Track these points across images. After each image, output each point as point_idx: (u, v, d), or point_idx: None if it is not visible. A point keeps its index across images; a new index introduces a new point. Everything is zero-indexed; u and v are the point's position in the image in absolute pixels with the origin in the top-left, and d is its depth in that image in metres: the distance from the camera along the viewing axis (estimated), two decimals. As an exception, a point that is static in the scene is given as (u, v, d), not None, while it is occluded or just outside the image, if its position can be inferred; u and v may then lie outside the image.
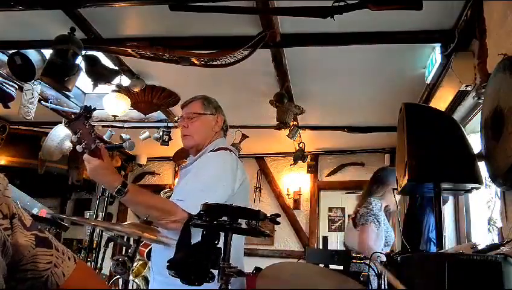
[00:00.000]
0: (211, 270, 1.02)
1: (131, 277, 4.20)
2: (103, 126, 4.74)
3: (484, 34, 2.29)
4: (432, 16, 2.65)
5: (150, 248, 3.18)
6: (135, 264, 4.33)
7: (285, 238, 6.12)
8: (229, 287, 1.05)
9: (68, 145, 4.52)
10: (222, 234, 1.06)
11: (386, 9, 2.23)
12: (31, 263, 0.71)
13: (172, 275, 1.02)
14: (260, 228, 1.07)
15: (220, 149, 1.77)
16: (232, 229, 1.05)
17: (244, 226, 1.07)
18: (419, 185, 2.02)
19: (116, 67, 3.55)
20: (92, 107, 1.45)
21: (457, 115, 2.92)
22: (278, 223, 1.10)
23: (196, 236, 1.07)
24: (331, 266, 2.39)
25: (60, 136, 4.45)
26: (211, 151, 1.78)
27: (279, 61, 3.32)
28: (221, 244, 1.06)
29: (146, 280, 4.40)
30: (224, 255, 1.04)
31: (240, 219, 1.08)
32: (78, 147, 1.44)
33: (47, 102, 4.18)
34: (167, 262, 1.02)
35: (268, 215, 1.10)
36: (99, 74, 3.16)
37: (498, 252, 1.44)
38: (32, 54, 3.21)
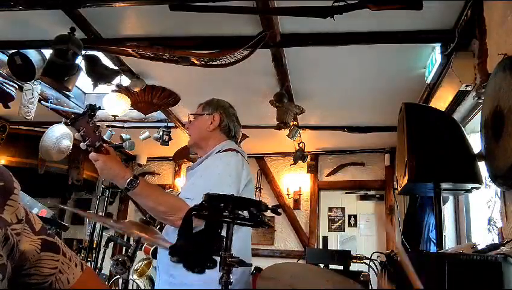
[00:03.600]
0: (213, 257, 1.02)
1: (135, 277, 4.20)
2: (106, 126, 4.75)
3: (484, 34, 2.29)
4: (432, 16, 2.64)
5: (155, 246, 3.17)
6: (139, 264, 4.33)
7: (285, 238, 6.12)
8: (231, 279, 1.04)
9: (66, 144, 4.50)
10: (224, 225, 1.06)
11: (386, 9, 2.23)
12: (34, 267, 0.70)
13: (174, 261, 1.02)
14: (262, 218, 1.07)
15: (227, 150, 1.79)
16: (233, 219, 1.05)
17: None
18: (419, 185, 2.03)
19: (116, 67, 3.55)
20: (97, 106, 1.45)
21: (457, 115, 2.92)
22: (279, 213, 1.10)
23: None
24: (331, 266, 2.39)
25: (55, 135, 4.43)
26: (218, 152, 1.80)
27: (279, 61, 3.32)
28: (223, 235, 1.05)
29: (151, 280, 4.40)
30: (226, 245, 1.04)
31: (241, 209, 1.08)
32: (82, 145, 1.44)
33: (47, 102, 4.17)
34: (169, 248, 1.02)
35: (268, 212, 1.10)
36: (99, 74, 3.16)
37: (498, 252, 1.44)
38: (32, 54, 3.20)
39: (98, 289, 0.84)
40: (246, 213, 1.10)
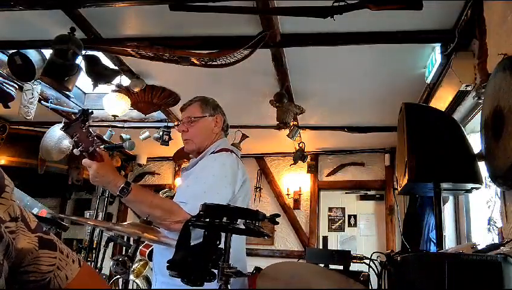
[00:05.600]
0: (212, 270, 1.02)
1: (132, 277, 4.20)
2: (103, 126, 4.75)
3: (484, 34, 2.29)
4: (431, 16, 2.64)
5: (151, 248, 3.18)
6: (136, 264, 4.33)
7: (285, 238, 6.12)
8: (229, 288, 1.05)
9: (66, 144, 4.51)
10: (222, 235, 1.05)
11: (386, 9, 2.23)
12: (33, 265, 0.70)
13: (172, 276, 1.02)
14: (259, 228, 1.06)
15: (221, 150, 1.77)
16: (231, 229, 1.05)
17: (243, 226, 1.07)
18: (419, 185, 2.03)
19: (116, 67, 3.55)
20: (90, 111, 1.44)
21: (457, 115, 2.92)
22: (277, 223, 1.10)
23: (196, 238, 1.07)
24: (331, 266, 2.39)
25: (56, 136, 4.44)
26: (212, 152, 1.78)
27: (279, 61, 3.32)
28: (221, 246, 1.05)
29: (147, 280, 4.40)
30: (223, 256, 1.04)
31: (239, 219, 1.07)
32: (76, 151, 1.43)
33: (47, 102, 4.18)
34: (167, 263, 1.02)
35: (267, 215, 1.09)
36: (99, 74, 3.16)
37: (498, 252, 1.44)
38: (32, 54, 3.20)
39: (96, 284, 0.83)
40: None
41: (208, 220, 1.04)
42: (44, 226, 0.77)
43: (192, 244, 1.04)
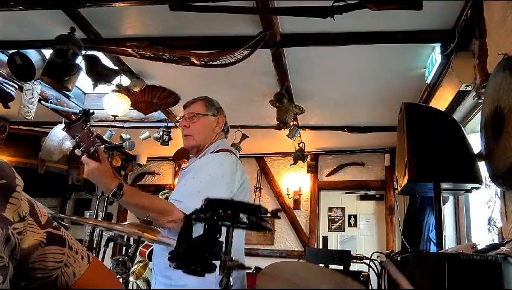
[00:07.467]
0: (213, 262, 1.02)
1: (132, 279, 4.20)
2: (103, 126, 4.75)
3: (484, 34, 2.29)
4: (432, 16, 2.65)
5: (151, 249, 3.18)
6: (136, 266, 4.32)
7: (285, 238, 6.12)
8: (231, 281, 1.04)
9: (68, 145, 4.52)
10: (223, 230, 1.05)
11: (386, 9, 2.23)
12: (40, 261, 0.69)
13: (174, 267, 1.02)
14: (261, 222, 1.06)
15: (221, 150, 1.78)
16: (233, 223, 1.05)
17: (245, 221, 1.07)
18: (419, 185, 2.03)
19: (116, 67, 3.55)
20: (91, 111, 1.45)
21: (457, 115, 2.92)
22: (279, 217, 1.10)
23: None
24: (331, 266, 2.39)
25: (60, 136, 4.45)
26: (211, 152, 1.79)
27: (279, 61, 3.32)
28: (222, 239, 1.05)
29: (147, 282, 4.40)
30: (225, 249, 1.04)
31: (241, 213, 1.07)
32: (77, 151, 1.45)
33: (47, 102, 4.17)
34: (169, 254, 1.02)
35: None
36: (99, 74, 3.16)
37: (498, 252, 1.44)
38: (32, 54, 3.20)
39: (105, 281, 0.81)
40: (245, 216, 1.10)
41: (209, 214, 1.04)
42: None
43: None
